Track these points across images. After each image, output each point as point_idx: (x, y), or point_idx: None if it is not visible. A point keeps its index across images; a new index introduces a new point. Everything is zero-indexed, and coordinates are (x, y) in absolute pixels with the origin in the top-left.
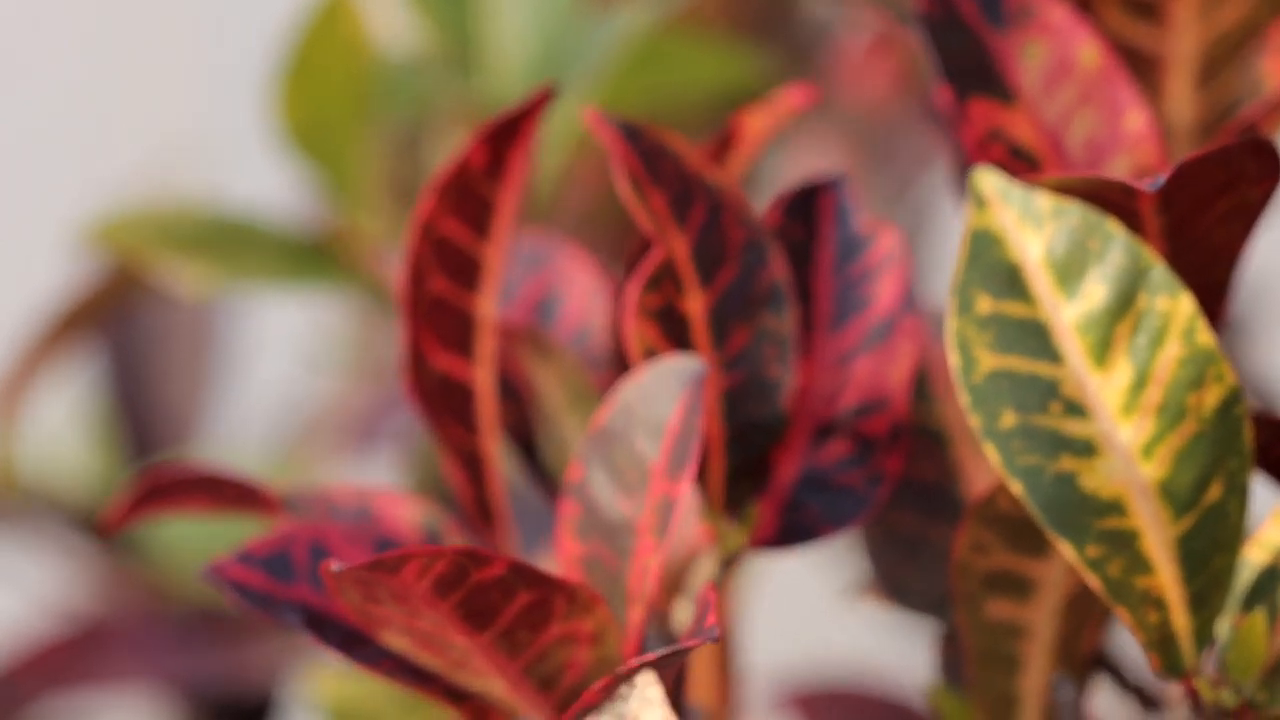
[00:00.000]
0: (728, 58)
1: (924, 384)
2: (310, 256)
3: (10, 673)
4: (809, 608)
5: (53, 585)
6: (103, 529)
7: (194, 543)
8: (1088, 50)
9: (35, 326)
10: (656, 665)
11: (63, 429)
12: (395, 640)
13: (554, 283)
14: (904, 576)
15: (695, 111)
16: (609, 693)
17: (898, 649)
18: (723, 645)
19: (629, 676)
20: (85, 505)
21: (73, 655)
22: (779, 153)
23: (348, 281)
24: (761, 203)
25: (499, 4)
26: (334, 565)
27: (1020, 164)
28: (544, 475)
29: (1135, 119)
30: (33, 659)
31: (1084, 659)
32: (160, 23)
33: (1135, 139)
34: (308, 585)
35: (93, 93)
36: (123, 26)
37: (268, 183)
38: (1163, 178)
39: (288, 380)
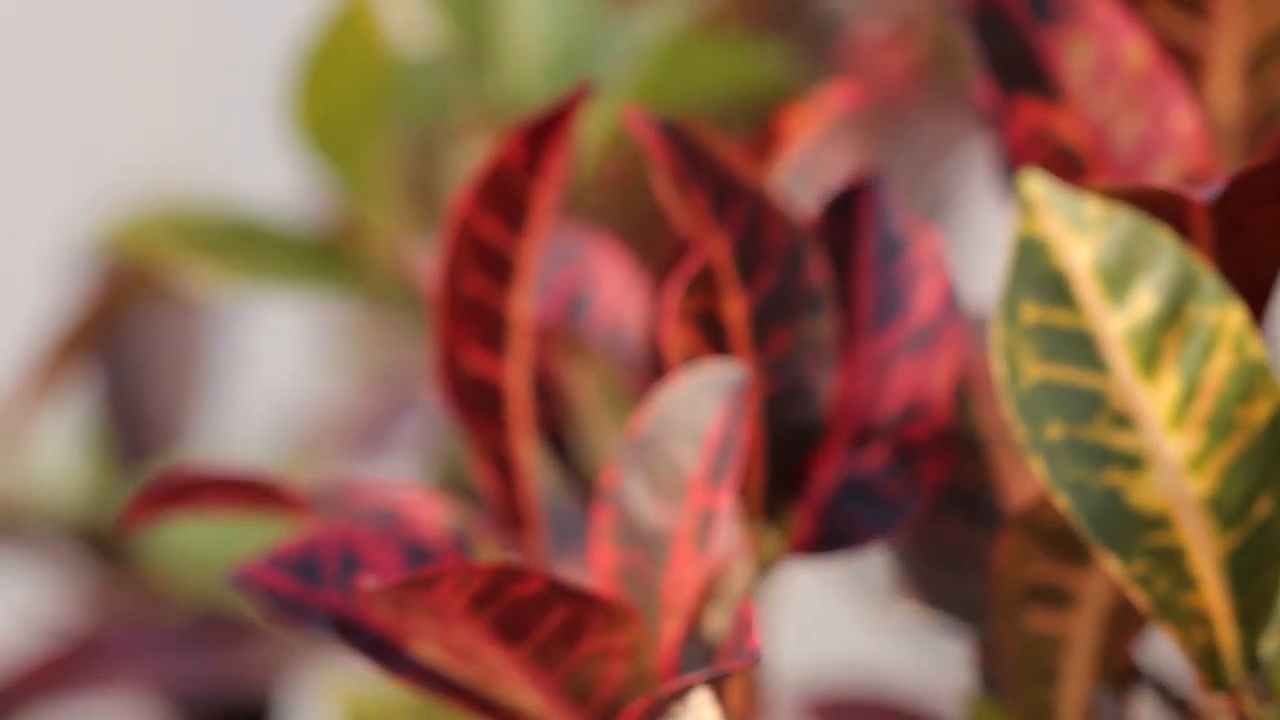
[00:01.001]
0: (751, 57)
1: (964, 390)
2: (325, 256)
3: (7, 684)
4: (840, 615)
5: (49, 596)
6: (117, 530)
7: (190, 549)
8: (1135, 48)
9: (41, 344)
10: (693, 687)
11: (58, 439)
12: (427, 651)
13: (587, 280)
14: (943, 585)
15: (719, 111)
16: (654, 713)
17: (930, 659)
18: (758, 654)
19: (676, 696)
20: (82, 515)
21: (70, 665)
22: (825, 155)
23: (362, 282)
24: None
25: (517, 4)
26: (368, 581)
27: (1066, 164)
28: (578, 478)
29: (1183, 119)
30: (30, 670)
31: (1125, 672)
32: (171, 23)
33: (1183, 140)
34: (337, 591)
35: (103, 94)
36: (132, 27)
37: (282, 183)
38: (1217, 187)
39: (298, 382)
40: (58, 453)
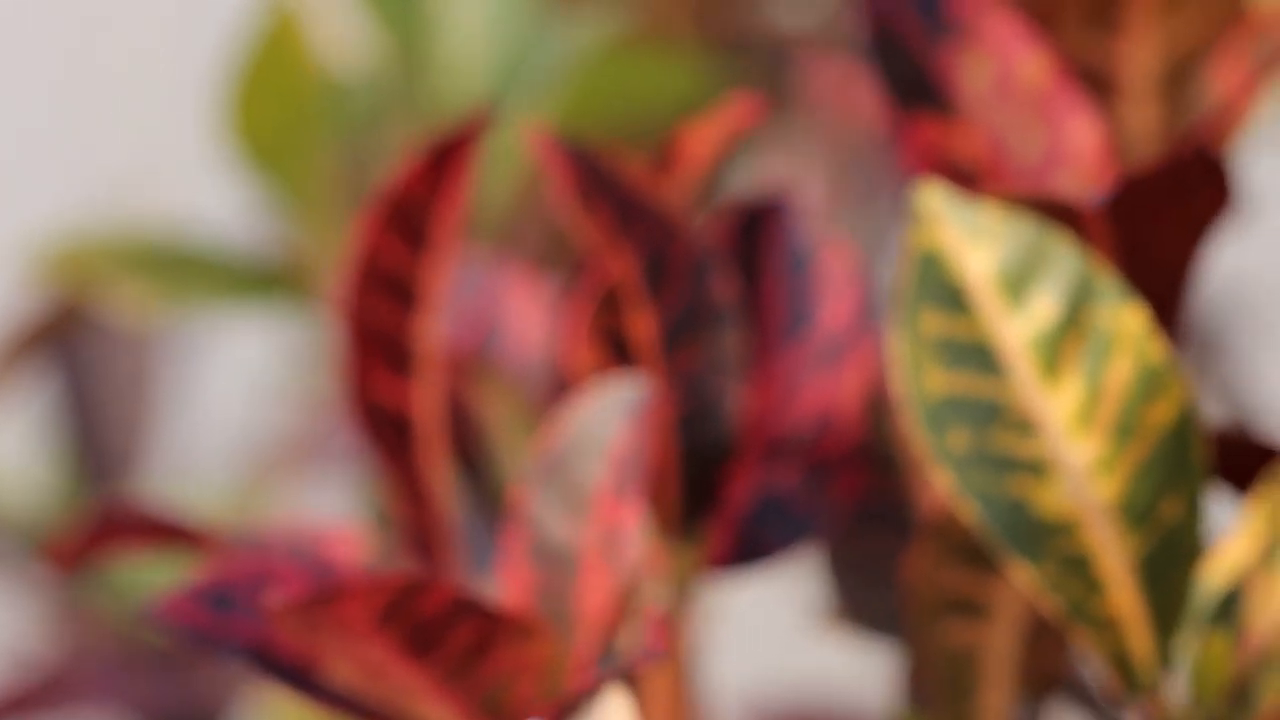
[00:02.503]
0: (692, 71)
1: (879, 403)
2: (266, 279)
3: None
4: (775, 632)
5: (8, 615)
6: (55, 565)
7: (143, 577)
8: (1032, 64)
9: None
10: (604, 686)
11: (11, 458)
12: (340, 673)
13: (497, 304)
14: (863, 599)
15: (662, 125)
16: (562, 713)
17: (864, 672)
18: (680, 671)
19: (584, 697)
20: (38, 534)
21: (34, 688)
22: (753, 168)
23: (304, 303)
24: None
25: (454, 17)
26: (275, 600)
27: (963, 179)
28: (490, 500)
29: (1082, 133)
30: None
31: (1044, 679)
32: (107, 42)
33: (1082, 154)
34: (250, 619)
35: (42, 118)
36: (71, 48)
37: (220, 205)
38: (1108, 192)
39: (244, 405)
40: (9, 468)
